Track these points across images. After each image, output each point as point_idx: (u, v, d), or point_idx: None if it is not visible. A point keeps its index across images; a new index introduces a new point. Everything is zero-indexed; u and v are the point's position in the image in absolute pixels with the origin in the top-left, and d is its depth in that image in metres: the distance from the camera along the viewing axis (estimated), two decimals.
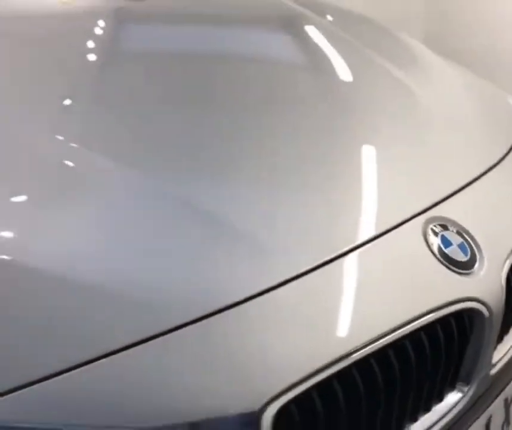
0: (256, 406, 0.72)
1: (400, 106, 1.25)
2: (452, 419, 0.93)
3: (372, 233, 0.91)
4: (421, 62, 1.51)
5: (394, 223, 0.93)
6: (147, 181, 0.88)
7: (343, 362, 0.77)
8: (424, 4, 4.25)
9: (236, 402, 0.71)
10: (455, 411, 0.93)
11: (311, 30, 1.61)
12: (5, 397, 0.64)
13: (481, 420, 0.96)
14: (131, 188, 0.87)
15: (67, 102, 1.11)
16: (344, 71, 1.40)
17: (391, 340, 0.81)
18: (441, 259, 0.92)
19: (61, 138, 0.96)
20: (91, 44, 1.38)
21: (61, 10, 1.52)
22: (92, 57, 1.33)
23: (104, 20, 1.51)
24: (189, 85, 1.22)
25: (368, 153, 1.08)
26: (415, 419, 0.89)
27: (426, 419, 0.90)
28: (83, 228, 0.81)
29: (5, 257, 0.76)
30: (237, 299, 0.75)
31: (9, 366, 0.67)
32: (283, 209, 0.91)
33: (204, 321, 0.73)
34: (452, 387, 0.93)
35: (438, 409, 0.92)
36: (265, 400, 0.72)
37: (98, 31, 1.49)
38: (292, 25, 1.65)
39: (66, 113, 1.06)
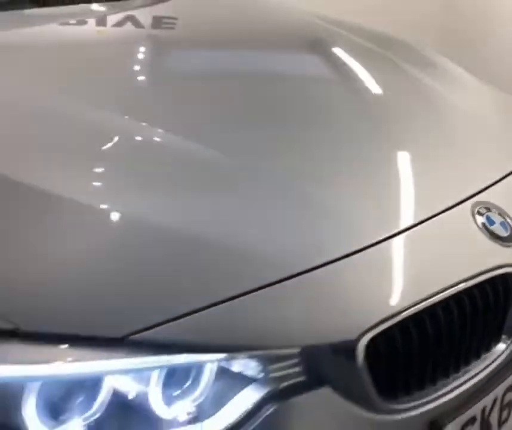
0: (354, 336, 0.93)
1: (441, 113, 1.47)
2: (498, 366, 1.13)
3: (431, 213, 1.12)
4: (456, 77, 1.73)
5: (449, 205, 1.14)
6: (261, 168, 1.12)
7: (417, 307, 0.98)
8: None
9: (339, 333, 0.93)
10: (499, 360, 1.13)
11: (351, 49, 1.83)
12: (178, 321, 0.85)
13: None
14: (256, 175, 1.10)
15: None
16: (386, 83, 1.62)
17: (452, 293, 1.02)
18: (487, 234, 1.13)
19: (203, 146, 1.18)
20: (148, 65, 1.62)
21: (99, 38, 1.74)
22: (155, 75, 1.54)
23: (146, 46, 1.74)
24: (257, 101, 1.44)
25: (422, 153, 1.30)
26: (468, 364, 1.10)
27: (476, 365, 1.11)
28: (218, 202, 1.04)
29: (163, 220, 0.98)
30: (338, 256, 0.97)
31: (181, 297, 0.89)
32: (359, 193, 1.13)
33: (316, 271, 0.95)
34: (497, 340, 1.13)
35: (487, 357, 1.12)
36: (359, 332, 0.93)
37: (145, 55, 1.72)
38: (334, 45, 1.87)
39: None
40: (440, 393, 1.04)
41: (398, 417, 0.99)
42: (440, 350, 1.03)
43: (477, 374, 1.10)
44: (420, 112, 1.45)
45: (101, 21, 1.78)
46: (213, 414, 0.91)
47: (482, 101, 1.60)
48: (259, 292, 0.91)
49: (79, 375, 0.84)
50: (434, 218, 1.12)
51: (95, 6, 1.88)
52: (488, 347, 1.13)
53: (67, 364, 0.83)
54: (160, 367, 0.87)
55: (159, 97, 1.35)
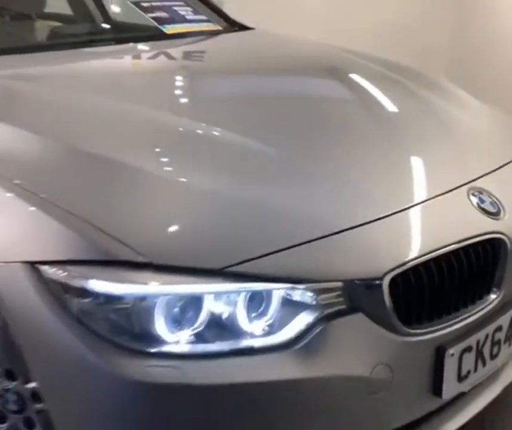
0: (380, 275, 1.29)
1: (444, 123, 1.85)
2: (489, 311, 1.48)
3: (438, 192, 1.49)
4: (458, 97, 2.12)
5: (451, 188, 1.51)
6: (310, 158, 1.53)
7: (425, 257, 1.34)
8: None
9: (369, 273, 1.29)
10: (490, 306, 1.48)
11: (372, 74, 2.23)
12: (258, 260, 1.22)
13: (510, 313, 1.51)
14: (307, 163, 1.51)
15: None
16: (399, 101, 2.02)
17: (452, 249, 1.39)
18: (479, 210, 1.49)
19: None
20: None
21: (137, 70, 2.20)
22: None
23: (206, 72, 2.16)
24: (298, 114, 1.84)
25: (430, 152, 1.68)
26: (466, 307, 1.45)
27: (472, 308, 1.46)
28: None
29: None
30: (369, 219, 1.36)
31: (260, 242, 1.26)
32: (383, 179, 1.50)
33: (355, 229, 1.33)
34: (488, 291, 1.49)
35: (480, 302, 1.47)
36: (384, 272, 1.29)
37: (209, 78, 2.13)
38: (358, 72, 2.26)
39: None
40: (444, 325, 1.40)
41: (413, 339, 1.35)
42: (444, 292, 1.39)
43: (472, 315, 1.45)
44: (427, 122, 1.83)
45: (167, 53, 2.22)
46: (279, 330, 1.27)
47: (478, 115, 2.00)
48: (315, 242, 1.28)
49: (190, 294, 1.21)
50: (439, 197, 1.49)
51: (161, 43, 2.34)
52: (481, 296, 1.48)
53: (184, 286, 1.20)
54: (245, 292, 1.23)
55: (228, 110, 1.76)
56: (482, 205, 1.51)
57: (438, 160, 1.64)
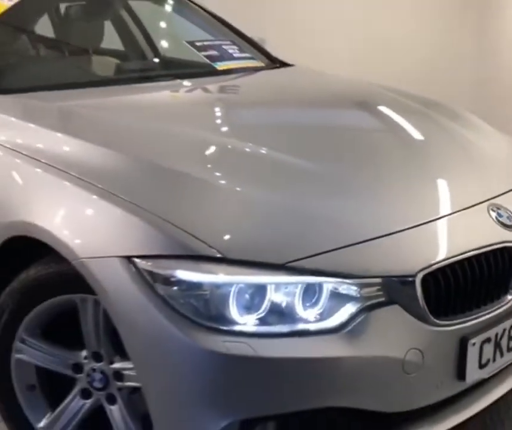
0: (413, 273, 1.54)
1: (467, 148, 2.12)
2: (506, 309, 1.72)
3: (462, 207, 1.75)
4: (478, 126, 2.38)
5: (473, 203, 1.77)
6: (348, 174, 1.83)
7: (450, 260, 1.59)
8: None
9: (405, 271, 1.55)
10: (507, 305, 1.72)
11: (403, 107, 2.50)
12: (312, 258, 1.49)
13: None
14: (346, 178, 1.82)
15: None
16: (427, 129, 2.28)
17: (474, 254, 1.63)
18: (497, 222, 1.74)
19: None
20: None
21: (176, 100, 2.49)
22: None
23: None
24: (335, 139, 2.12)
25: (455, 174, 1.94)
26: (486, 305, 1.69)
27: (491, 306, 1.70)
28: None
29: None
30: (404, 227, 1.63)
31: (315, 242, 1.52)
32: (414, 195, 1.76)
33: (394, 235, 1.60)
34: (506, 292, 1.73)
35: (499, 302, 1.71)
36: (417, 270, 1.55)
37: (258, 108, 2.43)
38: (390, 105, 2.53)
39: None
40: (467, 319, 1.64)
41: (441, 329, 1.59)
42: (467, 291, 1.63)
43: (492, 311, 1.69)
44: (453, 148, 2.10)
45: (222, 86, 2.56)
46: (329, 317, 1.52)
47: (496, 142, 2.26)
48: (359, 244, 1.55)
49: (257, 284, 1.47)
50: (464, 210, 1.76)
51: (215, 78, 2.67)
52: (499, 296, 1.72)
53: (252, 277, 1.47)
54: (302, 284, 1.49)
55: (278, 135, 2.06)
56: (500, 219, 1.76)
57: (463, 181, 1.91)
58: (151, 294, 1.48)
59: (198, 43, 2.84)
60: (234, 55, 2.91)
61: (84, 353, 1.74)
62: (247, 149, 1.94)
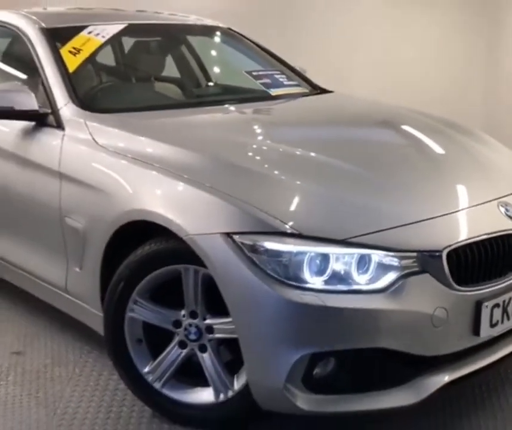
0: (440, 249, 2.04)
1: (481, 160, 2.62)
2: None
3: (476, 203, 2.26)
4: (491, 143, 2.89)
5: (485, 201, 2.27)
6: (382, 175, 2.34)
7: (469, 241, 2.09)
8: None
9: (434, 247, 2.05)
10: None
11: (425, 125, 3.01)
12: (368, 236, 2.01)
13: None
14: (381, 177, 2.35)
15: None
16: (445, 144, 2.78)
17: (487, 237, 2.13)
18: (505, 216, 2.23)
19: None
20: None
21: (243, 117, 3.01)
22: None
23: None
24: (368, 151, 2.64)
25: (471, 178, 2.44)
26: (497, 278, 2.18)
27: (500, 280, 2.18)
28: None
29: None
30: (429, 217, 2.14)
31: (367, 223, 2.05)
32: (435, 195, 2.27)
33: (427, 221, 2.12)
34: (511, 269, 2.22)
35: (506, 277, 2.20)
36: (443, 247, 2.05)
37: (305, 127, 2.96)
38: (413, 123, 3.04)
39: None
40: (482, 287, 2.14)
41: (461, 294, 2.09)
42: (482, 266, 2.13)
43: (501, 283, 2.18)
44: (468, 159, 2.61)
45: (281, 108, 3.18)
46: (376, 282, 2.02)
47: (503, 154, 2.78)
48: (400, 227, 2.07)
49: (323, 253, 1.98)
50: (478, 205, 2.26)
51: (273, 102, 3.23)
52: (507, 272, 2.21)
53: (320, 248, 1.98)
54: (356, 255, 1.99)
55: (327, 145, 2.61)
56: (508, 213, 2.26)
57: (477, 183, 2.43)
58: (245, 260, 2.00)
59: (254, 73, 3.39)
60: (284, 82, 3.45)
61: (183, 312, 2.25)
62: (306, 154, 2.48)
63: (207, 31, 3.76)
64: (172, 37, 3.75)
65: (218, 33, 3.76)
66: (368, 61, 6.44)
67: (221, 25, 3.78)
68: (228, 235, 2.04)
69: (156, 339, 2.33)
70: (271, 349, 2.00)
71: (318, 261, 2.00)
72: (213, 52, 3.95)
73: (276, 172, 2.29)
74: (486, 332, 2.16)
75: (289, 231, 2.00)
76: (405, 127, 3.00)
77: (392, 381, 2.08)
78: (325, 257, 2.00)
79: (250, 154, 2.48)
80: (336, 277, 2.00)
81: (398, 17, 6.48)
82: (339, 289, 2.00)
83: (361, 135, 2.95)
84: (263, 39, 3.83)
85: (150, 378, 2.31)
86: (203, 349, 2.26)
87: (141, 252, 2.25)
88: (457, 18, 6.52)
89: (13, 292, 3.21)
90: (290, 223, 2.02)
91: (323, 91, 3.55)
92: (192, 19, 3.75)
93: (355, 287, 2.01)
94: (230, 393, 2.21)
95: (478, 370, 2.21)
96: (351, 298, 1.99)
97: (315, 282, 1.99)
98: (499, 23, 6.39)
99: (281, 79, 3.44)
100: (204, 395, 2.27)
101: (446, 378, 2.12)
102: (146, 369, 2.32)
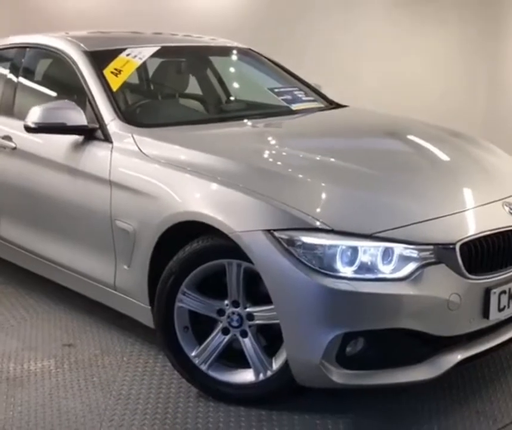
0: (454, 241, 2.36)
1: (485, 166, 2.93)
2: None
3: (482, 203, 2.56)
4: (495, 151, 3.21)
5: (491, 201, 2.58)
6: (394, 175, 2.64)
7: (478, 235, 2.41)
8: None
9: (449, 240, 2.36)
10: None
11: (432, 134, 3.33)
12: (390, 231, 2.32)
13: None
14: (394, 177, 2.68)
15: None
16: (451, 151, 3.10)
17: (493, 233, 2.44)
18: (509, 214, 2.54)
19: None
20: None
21: (270, 129, 3.32)
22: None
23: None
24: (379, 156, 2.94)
25: (476, 181, 2.75)
26: (503, 268, 2.48)
27: (505, 270, 2.48)
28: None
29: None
30: (441, 215, 2.46)
31: (391, 220, 2.36)
32: (445, 196, 2.58)
33: (445, 217, 2.44)
34: None
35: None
36: (456, 240, 2.36)
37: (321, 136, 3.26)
38: (421, 133, 3.36)
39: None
40: (491, 276, 2.44)
41: (473, 282, 2.39)
42: (490, 257, 2.43)
43: (507, 273, 2.48)
44: (474, 165, 2.92)
45: (304, 120, 3.51)
46: (398, 271, 2.32)
47: (505, 160, 3.10)
48: (419, 223, 2.37)
49: (353, 246, 2.29)
50: (485, 205, 2.57)
51: (295, 116, 3.57)
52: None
53: (350, 241, 2.28)
54: (381, 248, 2.30)
55: (348, 153, 2.95)
56: (510, 210, 2.56)
57: (483, 186, 2.74)
58: (284, 253, 2.31)
59: (276, 90, 3.71)
60: (303, 98, 3.77)
61: (226, 301, 2.55)
62: (327, 160, 2.79)
63: (230, 51, 4.10)
64: (199, 57, 4.07)
65: (239, 53, 4.09)
66: (375, 74, 6.85)
67: (241, 45, 4.10)
68: (269, 231, 2.34)
69: (200, 327, 2.64)
70: (309, 329, 2.30)
71: (348, 253, 2.30)
72: (236, 71, 4.27)
73: (301, 175, 2.60)
74: (495, 315, 2.46)
75: (322, 227, 2.31)
76: (416, 137, 3.29)
77: (413, 359, 2.39)
78: (354, 250, 2.30)
79: (279, 161, 2.82)
80: (364, 267, 2.31)
81: (405, 33, 6.92)
82: (367, 278, 2.30)
83: (376, 144, 3.27)
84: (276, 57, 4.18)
85: (196, 361, 2.61)
86: (244, 334, 2.55)
87: (189, 248, 2.56)
88: (462, 36, 6.94)
89: (59, 291, 3.52)
90: (325, 221, 2.33)
91: (338, 105, 3.87)
92: (219, 41, 4.10)
93: (380, 276, 2.31)
94: (269, 373, 2.52)
95: (488, 350, 2.51)
96: (378, 285, 2.30)
97: (347, 271, 2.29)
98: (500, 39, 6.83)
99: (299, 95, 3.76)
100: (246, 376, 2.57)
101: (459, 357, 2.43)
102: (193, 354, 2.62)
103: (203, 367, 2.61)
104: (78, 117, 3.02)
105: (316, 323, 2.29)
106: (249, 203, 2.44)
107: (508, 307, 2.50)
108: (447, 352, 2.42)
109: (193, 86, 4.08)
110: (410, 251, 2.33)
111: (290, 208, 2.37)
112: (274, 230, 2.34)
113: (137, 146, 2.88)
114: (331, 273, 2.28)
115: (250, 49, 4.11)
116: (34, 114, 3.02)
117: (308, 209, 2.36)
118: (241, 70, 4.21)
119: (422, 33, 6.93)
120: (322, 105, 3.82)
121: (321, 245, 2.29)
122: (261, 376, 2.53)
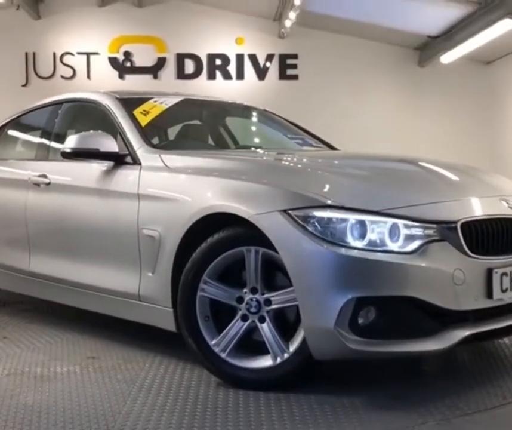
0: (455, 220, 2.56)
1: (492, 184, 3.14)
2: None
3: (483, 195, 2.78)
4: (495, 175, 3.44)
5: (491, 195, 2.80)
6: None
7: (480, 217, 2.63)
8: None
9: (450, 220, 2.57)
10: None
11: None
12: (398, 209, 2.55)
13: None
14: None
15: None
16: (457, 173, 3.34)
17: (493, 218, 2.65)
18: (508, 207, 2.75)
19: None
20: None
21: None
22: None
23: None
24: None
25: (481, 186, 2.98)
26: (503, 253, 2.66)
27: (507, 256, 2.66)
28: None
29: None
30: (445, 200, 2.70)
31: (401, 200, 2.60)
32: (455, 192, 2.80)
33: (448, 201, 2.68)
34: None
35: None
36: (457, 219, 2.57)
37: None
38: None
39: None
40: (492, 257, 2.62)
41: (475, 260, 2.57)
42: (490, 239, 2.62)
43: (508, 258, 2.65)
44: (477, 181, 3.15)
45: (315, 155, 3.75)
46: (404, 247, 2.51)
47: (506, 181, 3.31)
48: (425, 205, 2.60)
49: (362, 221, 2.50)
50: (485, 197, 2.80)
51: (307, 153, 3.91)
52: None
53: (359, 216, 2.50)
54: (389, 224, 2.51)
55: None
56: (509, 205, 2.79)
57: (485, 188, 2.98)
58: (300, 228, 2.53)
59: (289, 135, 4.07)
60: (313, 144, 4.12)
61: (245, 289, 2.72)
62: (338, 163, 3.04)
63: (247, 110, 4.50)
64: (218, 112, 4.45)
65: (256, 112, 4.48)
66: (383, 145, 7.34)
67: (258, 107, 4.49)
68: (285, 211, 2.58)
69: (219, 316, 2.80)
70: (324, 296, 2.48)
71: (358, 227, 2.51)
72: (253, 127, 4.64)
73: (310, 169, 2.96)
74: (498, 295, 2.62)
75: (333, 204, 2.54)
76: (423, 163, 3.45)
77: (424, 332, 2.53)
78: (363, 224, 2.52)
79: (290, 162, 3.19)
80: (373, 244, 2.51)
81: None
82: (376, 249, 2.50)
83: (385, 164, 3.42)
84: None
85: (216, 349, 2.75)
86: (262, 320, 2.70)
87: (211, 240, 2.77)
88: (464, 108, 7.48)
89: (80, 312, 3.73)
90: (336, 199, 2.57)
91: (333, 148, 4.24)
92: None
93: (388, 248, 2.51)
94: (286, 355, 2.65)
95: (495, 331, 2.64)
96: (387, 256, 2.49)
97: (357, 244, 2.50)
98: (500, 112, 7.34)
99: (309, 141, 4.10)
100: (264, 361, 2.70)
101: (467, 333, 2.56)
102: (213, 342, 2.76)
103: (223, 354, 2.74)
104: (110, 144, 3.32)
105: (329, 288, 2.47)
106: (265, 191, 2.70)
107: (511, 290, 2.66)
108: (456, 327, 2.57)
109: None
110: (416, 229, 2.53)
111: (303, 190, 2.63)
112: (290, 209, 2.57)
113: (163, 162, 3.17)
114: (343, 244, 2.49)
115: (265, 109, 4.49)
116: (71, 141, 3.33)
117: (324, 191, 2.63)
118: (257, 125, 4.58)
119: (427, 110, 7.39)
120: (320, 146, 4.16)
121: (332, 220, 2.51)
122: (278, 359, 2.66)
